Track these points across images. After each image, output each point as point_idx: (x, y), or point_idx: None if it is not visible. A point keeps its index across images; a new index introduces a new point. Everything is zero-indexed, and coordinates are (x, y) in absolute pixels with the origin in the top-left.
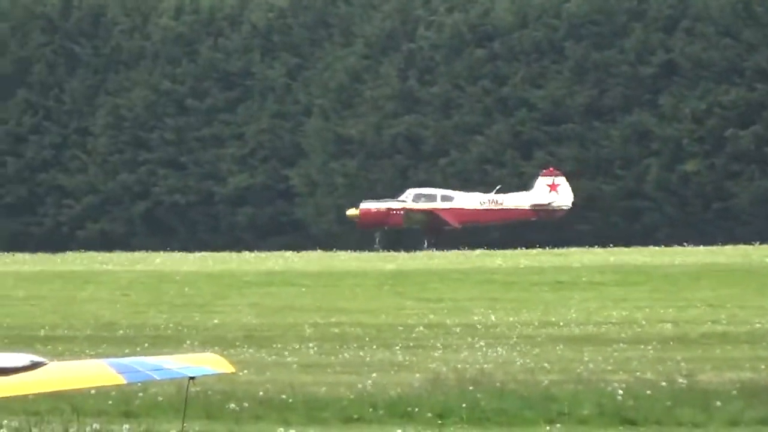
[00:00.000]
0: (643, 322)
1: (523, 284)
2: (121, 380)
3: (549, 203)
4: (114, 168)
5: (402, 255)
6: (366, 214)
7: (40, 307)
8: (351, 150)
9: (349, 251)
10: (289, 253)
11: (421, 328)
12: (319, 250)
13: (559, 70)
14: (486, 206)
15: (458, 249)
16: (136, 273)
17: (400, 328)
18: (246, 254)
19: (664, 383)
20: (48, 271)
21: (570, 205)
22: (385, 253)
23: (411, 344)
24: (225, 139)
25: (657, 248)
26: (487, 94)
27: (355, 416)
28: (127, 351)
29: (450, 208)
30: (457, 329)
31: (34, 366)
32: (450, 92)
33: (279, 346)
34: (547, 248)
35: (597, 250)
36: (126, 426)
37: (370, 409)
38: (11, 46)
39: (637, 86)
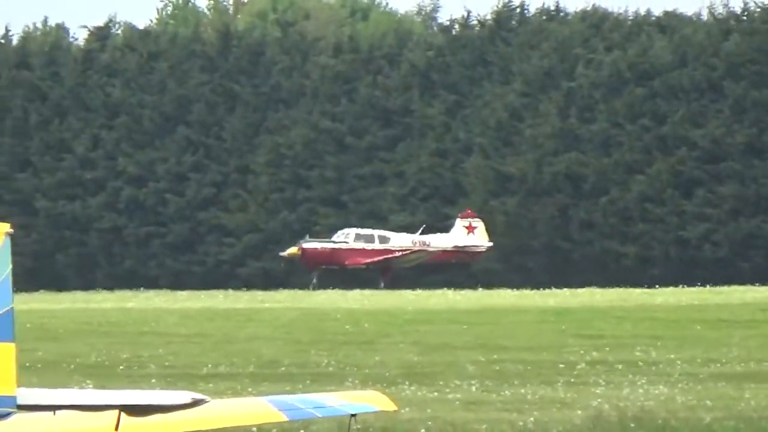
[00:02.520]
0: None
1: (684, 322)
2: (283, 418)
3: (470, 245)
4: (274, 206)
5: (564, 292)
6: (310, 253)
7: (202, 345)
8: (511, 188)
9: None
10: (450, 291)
11: (583, 365)
12: (480, 288)
13: (719, 108)
14: (417, 247)
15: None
16: (297, 311)
17: (562, 365)
18: (407, 292)
19: None
20: (210, 308)
21: (486, 246)
22: (545, 291)
23: (572, 381)
24: (385, 178)
25: None
26: (647, 132)
27: None
28: (288, 388)
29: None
30: (619, 366)
31: (195, 404)
32: (609, 130)
33: (440, 383)
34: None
35: (759, 288)
36: None
37: None
38: (171, 84)
39: None
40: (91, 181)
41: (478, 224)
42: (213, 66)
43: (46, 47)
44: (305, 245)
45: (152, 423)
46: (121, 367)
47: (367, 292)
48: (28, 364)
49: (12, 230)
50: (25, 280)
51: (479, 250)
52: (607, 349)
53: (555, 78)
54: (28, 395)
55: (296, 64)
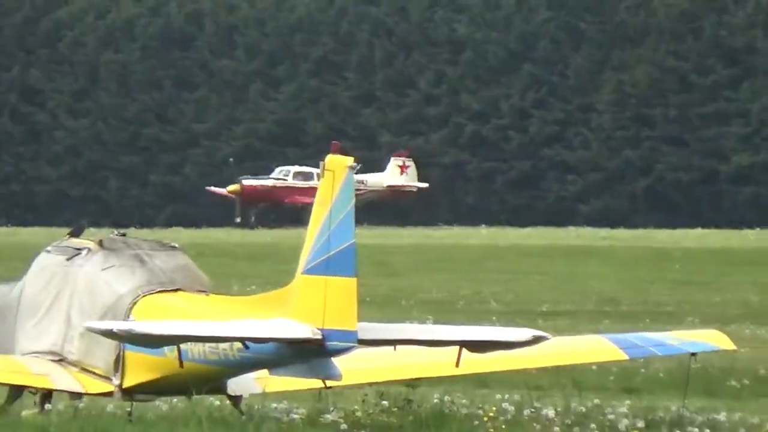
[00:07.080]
0: None
1: None
2: (623, 356)
3: (402, 185)
4: (617, 145)
5: None
6: (250, 190)
7: (542, 282)
8: None
9: None
10: None
11: None
12: None
13: None
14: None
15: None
16: (638, 249)
17: None
18: (748, 232)
19: None
20: (551, 245)
21: (417, 186)
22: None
23: None
24: (729, 117)
25: None
26: None
27: None
28: (627, 327)
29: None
30: None
31: (535, 340)
32: None
33: None
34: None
35: None
36: (627, 402)
37: None
38: (516, 20)
39: None
40: (434, 117)
41: (410, 164)
42: (560, 2)
43: None
44: (245, 182)
45: (493, 359)
46: (461, 303)
47: (708, 231)
48: (368, 299)
49: (355, 164)
50: (368, 214)
51: (411, 189)
52: None
53: None
54: (369, 330)
55: (643, 1)
